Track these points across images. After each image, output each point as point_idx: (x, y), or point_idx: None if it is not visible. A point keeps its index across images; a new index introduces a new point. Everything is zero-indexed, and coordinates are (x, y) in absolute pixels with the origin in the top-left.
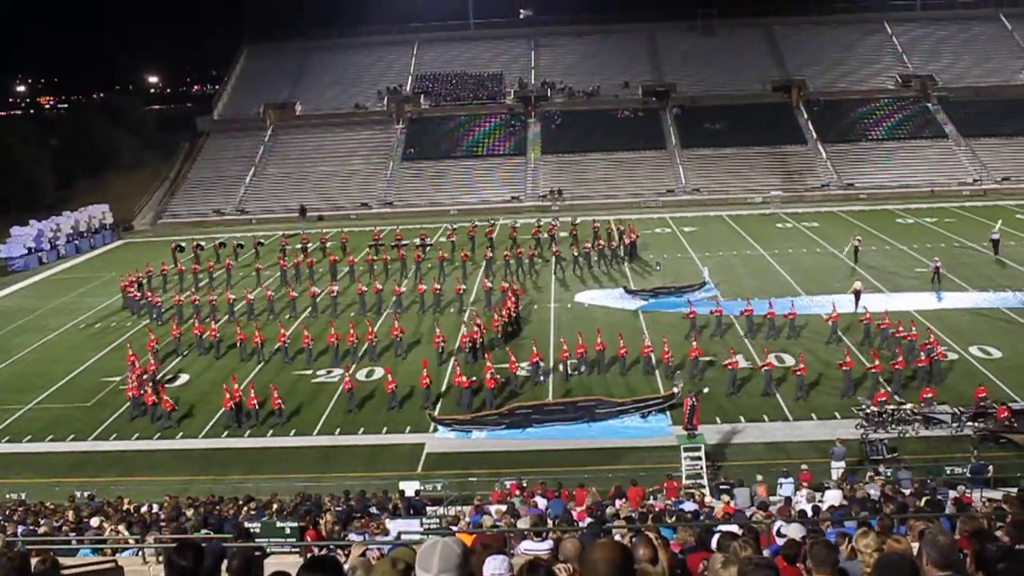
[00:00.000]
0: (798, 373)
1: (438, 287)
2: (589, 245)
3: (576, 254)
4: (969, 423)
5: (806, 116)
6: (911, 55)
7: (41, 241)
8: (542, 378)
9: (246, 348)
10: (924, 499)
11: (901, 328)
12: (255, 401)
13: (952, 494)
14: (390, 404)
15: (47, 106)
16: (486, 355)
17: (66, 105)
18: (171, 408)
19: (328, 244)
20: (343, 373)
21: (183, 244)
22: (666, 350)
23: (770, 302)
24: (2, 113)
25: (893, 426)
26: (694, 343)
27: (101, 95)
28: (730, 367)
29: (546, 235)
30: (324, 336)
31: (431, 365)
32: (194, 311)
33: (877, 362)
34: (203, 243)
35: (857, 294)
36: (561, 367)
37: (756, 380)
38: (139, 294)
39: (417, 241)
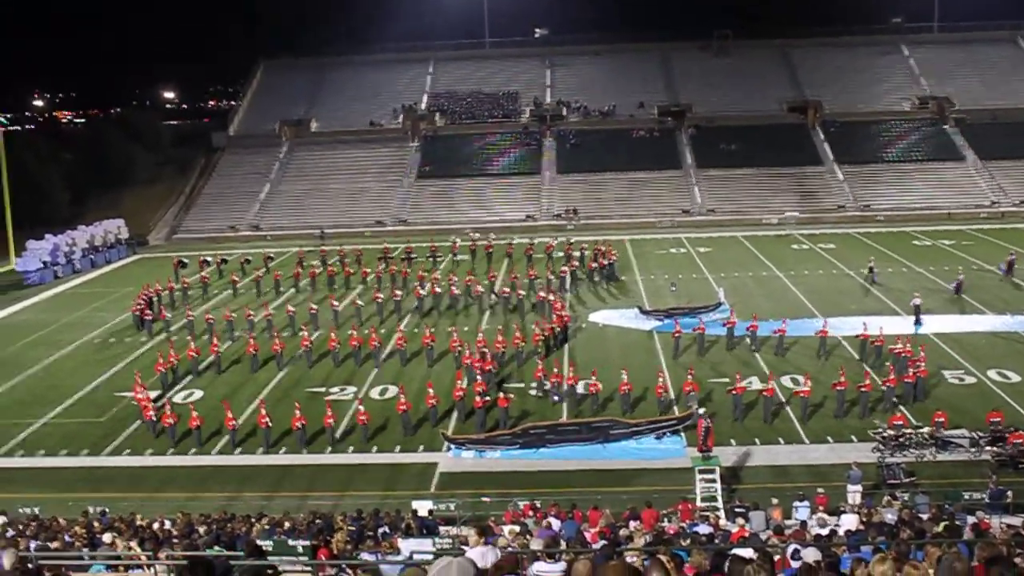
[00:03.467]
0: (802, 395)
1: (456, 291)
2: (565, 268)
3: (550, 276)
4: (987, 448)
5: (822, 137)
6: (928, 77)
7: (56, 255)
8: (555, 398)
9: (258, 360)
10: (942, 525)
11: (899, 345)
12: (299, 423)
13: (970, 520)
14: (432, 420)
15: (64, 120)
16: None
17: (83, 120)
18: (150, 418)
19: (345, 259)
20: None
21: (185, 260)
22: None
23: (754, 315)
24: (19, 128)
25: (910, 450)
26: (689, 376)
27: (118, 110)
28: (735, 392)
29: (577, 253)
30: (346, 342)
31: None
32: (188, 329)
33: (867, 381)
34: (208, 258)
35: (917, 309)
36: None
37: (760, 403)
38: (151, 312)
39: (428, 255)
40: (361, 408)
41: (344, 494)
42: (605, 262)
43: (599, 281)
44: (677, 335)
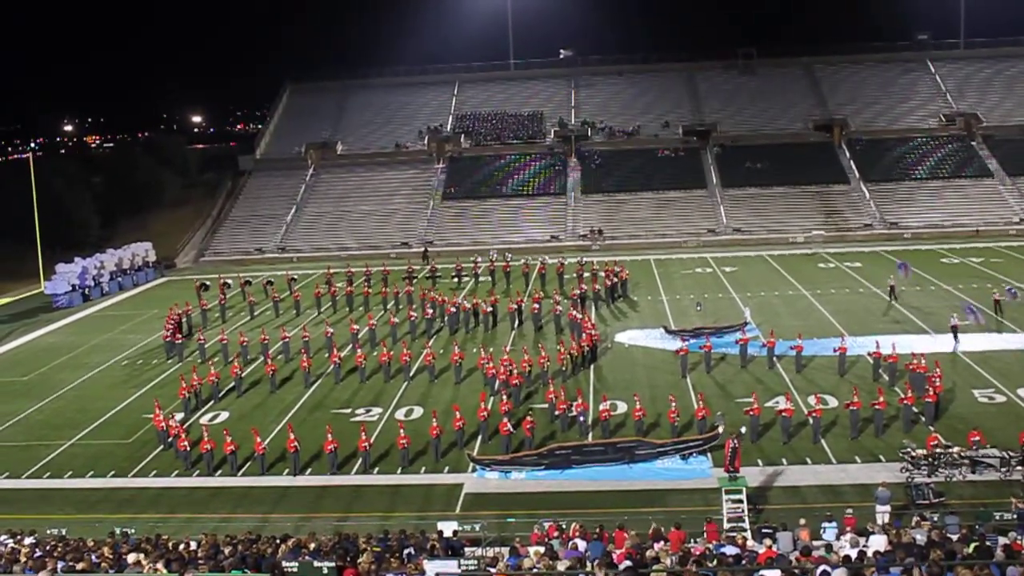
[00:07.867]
0: (814, 415)
1: (488, 309)
2: (576, 292)
3: (558, 296)
4: (1018, 467)
5: (848, 155)
6: (954, 93)
7: (85, 278)
8: (581, 418)
9: (275, 381)
10: (972, 545)
11: (915, 361)
12: (332, 447)
13: (1002, 540)
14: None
15: (93, 145)
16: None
17: (112, 144)
18: (184, 448)
19: (371, 279)
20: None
21: (207, 283)
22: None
23: (772, 331)
24: (50, 152)
25: (940, 470)
26: (700, 402)
27: (146, 134)
28: (752, 413)
29: (588, 274)
30: (375, 358)
31: (473, 396)
32: (200, 352)
33: (882, 398)
34: (229, 281)
35: (955, 329)
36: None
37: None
38: (181, 335)
39: (452, 274)
40: (401, 432)
41: (369, 514)
42: (610, 282)
43: (607, 300)
44: (707, 350)
